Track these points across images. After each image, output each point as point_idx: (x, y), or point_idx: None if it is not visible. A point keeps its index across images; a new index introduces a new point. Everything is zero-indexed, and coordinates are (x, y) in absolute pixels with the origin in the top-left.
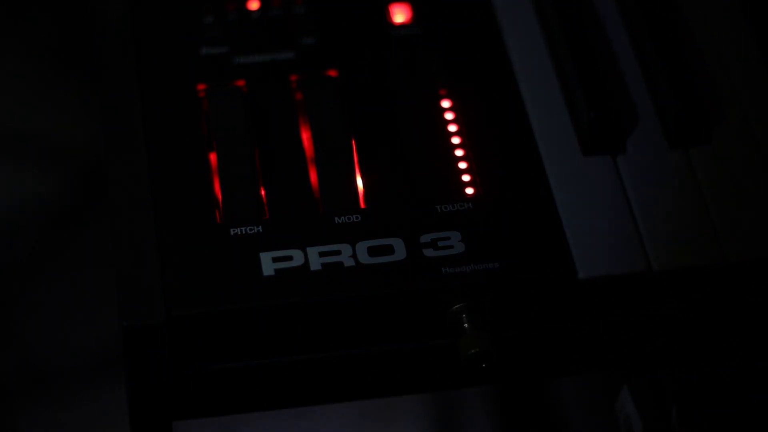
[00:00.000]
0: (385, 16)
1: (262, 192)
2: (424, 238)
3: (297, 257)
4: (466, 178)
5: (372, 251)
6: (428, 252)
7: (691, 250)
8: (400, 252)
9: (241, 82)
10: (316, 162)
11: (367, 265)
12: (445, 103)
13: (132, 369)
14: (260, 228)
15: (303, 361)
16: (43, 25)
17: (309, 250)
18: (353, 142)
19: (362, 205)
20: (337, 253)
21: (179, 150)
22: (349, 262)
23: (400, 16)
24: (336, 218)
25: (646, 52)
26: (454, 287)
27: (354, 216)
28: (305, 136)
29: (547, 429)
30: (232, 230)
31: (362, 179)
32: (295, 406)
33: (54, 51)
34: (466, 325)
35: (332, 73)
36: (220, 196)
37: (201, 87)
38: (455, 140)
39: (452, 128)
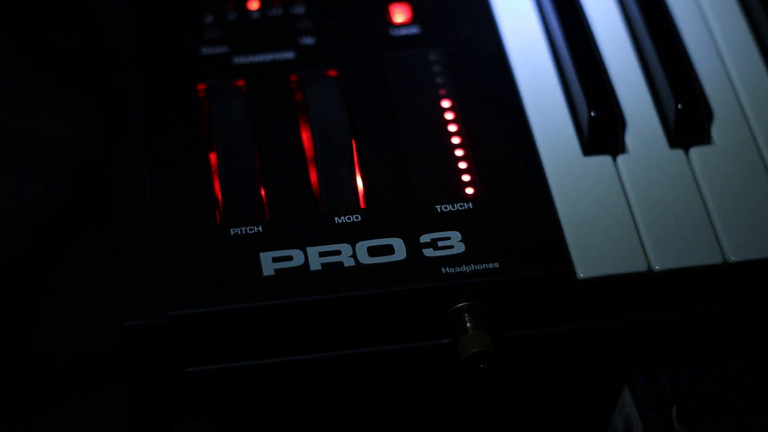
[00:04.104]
0: (385, 16)
1: (262, 192)
2: (424, 238)
3: (297, 257)
4: (466, 178)
5: (372, 251)
6: (428, 252)
7: (691, 250)
8: (400, 252)
9: (241, 82)
10: (316, 162)
11: (367, 265)
12: (445, 103)
13: (132, 369)
14: (260, 228)
15: (303, 361)
16: (44, 25)
17: (309, 250)
18: (353, 142)
19: (362, 205)
20: (337, 253)
21: (179, 150)
22: (349, 262)
23: (400, 16)
24: (336, 218)
25: (646, 52)
26: (454, 287)
27: (354, 216)
28: (305, 136)
29: (546, 429)
30: (232, 230)
31: (362, 179)
32: (295, 406)
33: (54, 51)
34: (466, 324)
35: (332, 72)
36: (220, 196)
37: (201, 87)
38: (455, 140)
39: (452, 128)
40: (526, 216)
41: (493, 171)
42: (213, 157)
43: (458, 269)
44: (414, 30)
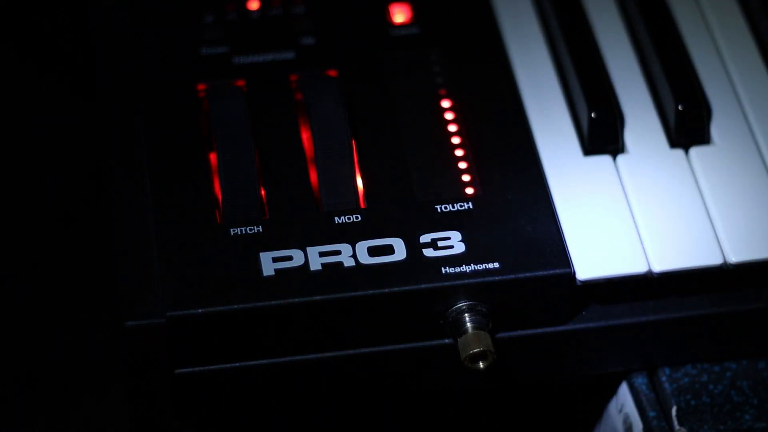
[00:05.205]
0: (385, 16)
1: (262, 192)
2: (424, 238)
3: (297, 257)
4: (466, 178)
5: (372, 251)
6: (428, 252)
7: (691, 251)
8: (400, 252)
9: (241, 82)
10: (316, 162)
11: (367, 265)
12: (445, 103)
13: (132, 369)
14: (260, 228)
15: (303, 361)
16: (45, 24)
17: (309, 250)
18: (353, 142)
19: (362, 205)
20: (337, 253)
21: (179, 150)
22: (349, 262)
23: (400, 16)
24: (336, 218)
25: (645, 52)
26: (454, 287)
27: (354, 216)
28: (305, 136)
29: (545, 429)
30: (232, 230)
31: (362, 179)
32: (295, 406)
33: (54, 51)
34: (466, 324)
35: (332, 73)
36: (220, 196)
37: (201, 87)
38: (455, 140)
39: (452, 128)
40: (526, 216)
41: (493, 171)
42: (213, 157)
43: (458, 269)
44: (414, 30)
